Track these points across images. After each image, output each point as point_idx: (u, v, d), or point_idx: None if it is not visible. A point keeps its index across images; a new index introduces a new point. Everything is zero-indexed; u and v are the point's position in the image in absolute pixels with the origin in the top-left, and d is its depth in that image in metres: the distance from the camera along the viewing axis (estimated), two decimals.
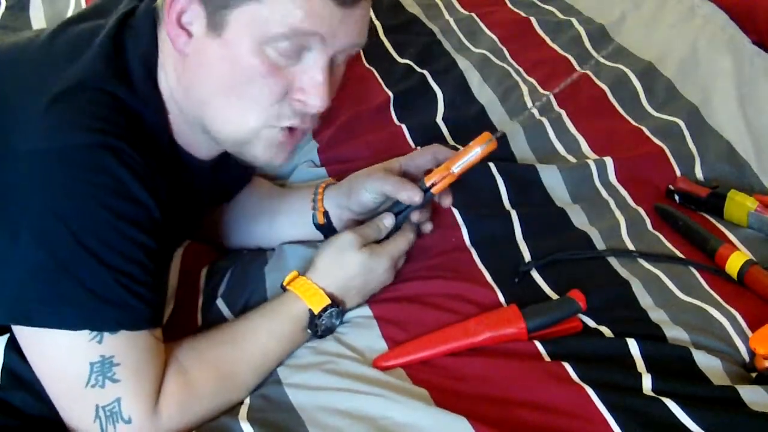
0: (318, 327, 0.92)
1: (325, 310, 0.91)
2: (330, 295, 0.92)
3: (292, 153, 0.90)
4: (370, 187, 0.98)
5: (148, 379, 0.80)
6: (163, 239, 0.84)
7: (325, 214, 1.04)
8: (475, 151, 0.95)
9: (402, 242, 0.98)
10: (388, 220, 0.97)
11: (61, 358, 0.78)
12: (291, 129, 0.85)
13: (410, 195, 0.95)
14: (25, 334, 0.79)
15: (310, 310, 0.91)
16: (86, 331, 0.77)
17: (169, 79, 0.85)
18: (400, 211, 0.98)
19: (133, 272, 0.79)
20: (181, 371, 0.84)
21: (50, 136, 0.77)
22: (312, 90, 0.81)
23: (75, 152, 0.76)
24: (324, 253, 0.95)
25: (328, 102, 0.82)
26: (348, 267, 0.93)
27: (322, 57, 0.80)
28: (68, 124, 0.77)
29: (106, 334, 0.77)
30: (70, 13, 1.69)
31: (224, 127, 0.84)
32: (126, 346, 0.79)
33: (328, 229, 1.05)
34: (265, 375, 0.90)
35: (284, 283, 0.94)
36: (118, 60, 0.83)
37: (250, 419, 0.84)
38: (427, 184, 0.96)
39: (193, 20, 0.80)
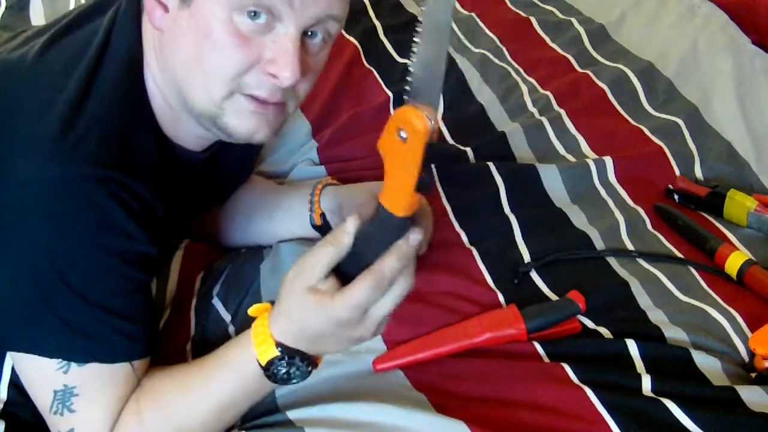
0: (274, 376, 0.78)
1: (272, 362, 0.77)
2: (280, 344, 0.76)
3: (278, 130, 0.83)
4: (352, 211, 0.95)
5: (103, 416, 0.79)
6: (154, 267, 0.83)
7: (322, 215, 1.04)
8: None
9: (364, 287, 0.70)
10: (350, 224, 0.73)
11: (33, 381, 0.79)
12: (264, 101, 0.80)
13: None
14: (13, 356, 0.81)
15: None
16: (56, 360, 0.77)
17: (150, 65, 0.83)
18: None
19: (116, 307, 0.78)
20: (137, 415, 0.81)
21: (44, 166, 0.75)
22: (281, 60, 0.76)
23: (67, 185, 0.75)
24: (283, 288, 0.76)
25: (297, 74, 0.77)
26: (299, 316, 0.75)
27: (292, 26, 0.76)
28: (62, 153, 0.75)
29: (73, 365, 0.77)
30: None
31: (195, 102, 0.80)
32: (91, 378, 0.78)
33: (325, 230, 1.04)
34: (225, 426, 0.83)
35: (249, 312, 0.81)
36: (102, 62, 0.81)
37: (244, 428, 0.83)
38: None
39: None
